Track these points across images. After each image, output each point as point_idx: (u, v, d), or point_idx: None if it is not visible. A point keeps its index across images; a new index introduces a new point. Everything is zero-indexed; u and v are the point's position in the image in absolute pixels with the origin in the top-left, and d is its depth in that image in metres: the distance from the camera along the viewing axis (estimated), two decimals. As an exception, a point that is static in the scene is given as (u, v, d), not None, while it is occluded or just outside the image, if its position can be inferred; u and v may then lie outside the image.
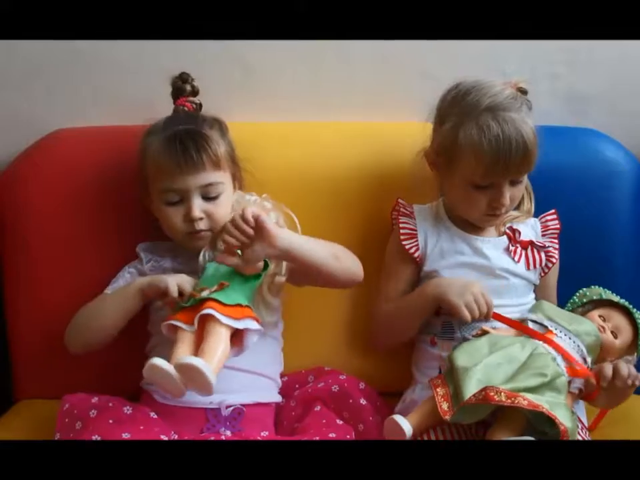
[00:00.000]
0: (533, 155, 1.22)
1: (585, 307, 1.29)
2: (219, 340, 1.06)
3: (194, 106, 1.30)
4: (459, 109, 1.24)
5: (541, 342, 1.17)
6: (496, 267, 1.29)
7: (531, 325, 1.21)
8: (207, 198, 1.23)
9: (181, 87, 1.30)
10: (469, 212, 1.30)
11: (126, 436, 1.07)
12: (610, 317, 1.26)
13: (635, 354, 1.25)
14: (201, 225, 1.23)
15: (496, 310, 1.24)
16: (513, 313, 1.26)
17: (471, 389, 1.09)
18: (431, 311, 1.27)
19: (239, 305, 1.09)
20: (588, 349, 1.20)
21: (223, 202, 1.24)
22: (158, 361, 1.04)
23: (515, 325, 1.21)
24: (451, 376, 1.14)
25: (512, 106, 1.22)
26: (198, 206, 1.22)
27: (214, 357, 1.04)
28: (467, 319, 1.20)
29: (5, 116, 1.46)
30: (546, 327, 1.20)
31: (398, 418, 1.12)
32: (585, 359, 1.19)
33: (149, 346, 1.28)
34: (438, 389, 1.14)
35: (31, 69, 1.45)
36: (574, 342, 1.19)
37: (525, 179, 1.28)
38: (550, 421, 1.06)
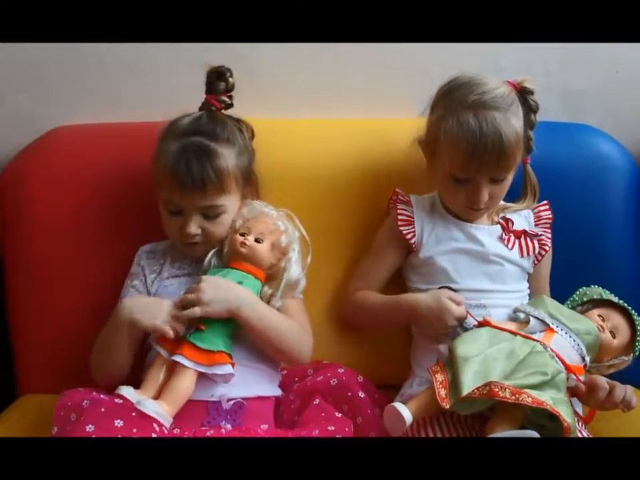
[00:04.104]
0: (511, 156, 1.22)
1: (584, 305, 1.29)
2: (183, 380, 1.15)
3: (222, 105, 1.29)
4: (446, 102, 1.25)
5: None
6: (490, 253, 1.30)
7: (532, 320, 1.22)
8: (207, 216, 1.25)
9: (214, 82, 1.29)
10: (450, 202, 1.32)
11: (118, 423, 1.07)
12: (609, 317, 1.26)
13: (632, 354, 1.26)
14: (196, 239, 1.25)
15: (491, 295, 1.27)
16: (508, 299, 1.28)
17: (468, 380, 1.10)
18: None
19: (211, 352, 1.16)
20: (587, 348, 1.20)
21: (222, 221, 1.26)
22: (125, 391, 1.14)
23: (509, 331, 1.21)
24: (450, 364, 1.15)
25: (498, 105, 1.22)
26: (195, 223, 1.24)
27: (174, 398, 1.15)
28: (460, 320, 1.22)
29: (6, 113, 1.47)
30: (547, 324, 1.20)
31: (398, 405, 1.13)
32: (583, 358, 1.20)
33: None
34: (437, 375, 1.15)
35: (32, 66, 1.46)
36: (574, 340, 1.19)
37: (509, 179, 1.27)
38: (550, 415, 1.07)
